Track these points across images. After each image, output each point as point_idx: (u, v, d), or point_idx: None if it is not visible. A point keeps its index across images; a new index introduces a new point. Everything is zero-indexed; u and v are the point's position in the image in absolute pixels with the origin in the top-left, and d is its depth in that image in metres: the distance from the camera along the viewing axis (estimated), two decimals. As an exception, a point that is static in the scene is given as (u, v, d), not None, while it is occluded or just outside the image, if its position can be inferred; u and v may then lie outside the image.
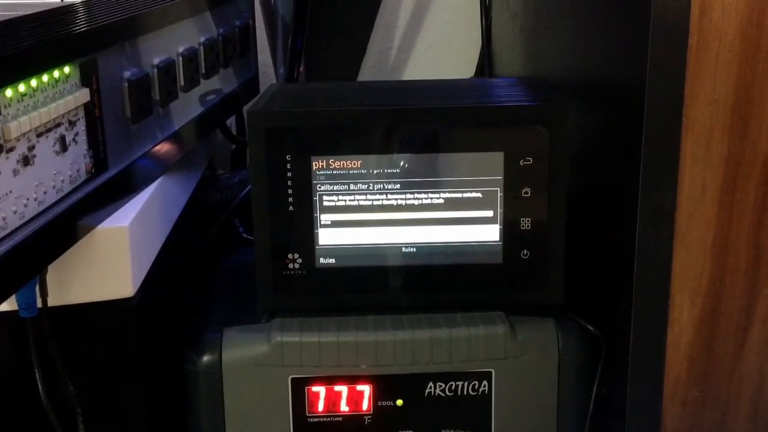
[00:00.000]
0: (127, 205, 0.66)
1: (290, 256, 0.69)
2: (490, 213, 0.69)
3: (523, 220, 0.69)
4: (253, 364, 0.67)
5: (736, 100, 0.60)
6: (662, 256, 0.63)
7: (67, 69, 0.56)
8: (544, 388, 0.69)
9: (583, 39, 0.75)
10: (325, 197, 0.69)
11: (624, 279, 0.64)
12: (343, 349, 0.68)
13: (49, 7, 0.60)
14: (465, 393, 0.69)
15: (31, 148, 0.52)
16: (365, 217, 0.69)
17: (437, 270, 0.70)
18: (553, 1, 0.85)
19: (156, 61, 0.69)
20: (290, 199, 0.68)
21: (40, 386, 0.61)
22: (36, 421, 0.63)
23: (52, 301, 0.60)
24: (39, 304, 0.60)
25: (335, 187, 0.68)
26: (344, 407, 0.69)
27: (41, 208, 0.54)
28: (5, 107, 0.49)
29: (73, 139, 0.57)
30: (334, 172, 0.68)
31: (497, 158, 0.68)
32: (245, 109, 0.78)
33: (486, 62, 1.15)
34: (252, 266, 0.70)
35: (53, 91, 0.54)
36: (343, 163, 0.68)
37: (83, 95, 0.58)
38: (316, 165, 0.68)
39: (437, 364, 0.68)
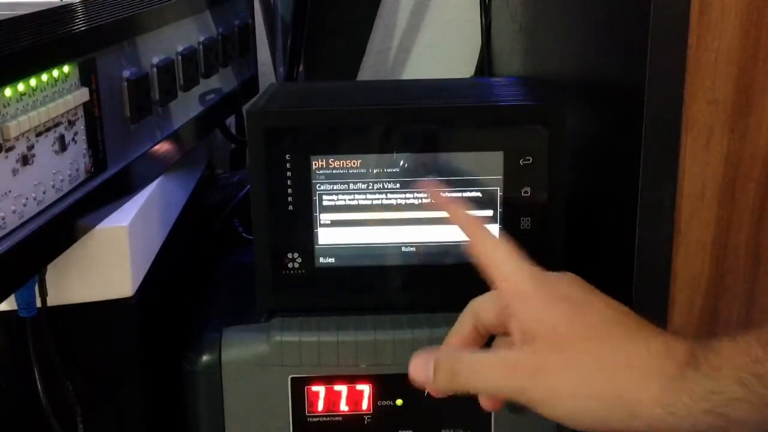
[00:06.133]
0: (126, 204, 0.66)
1: (290, 255, 0.69)
2: (489, 212, 0.69)
3: (522, 220, 0.69)
4: (252, 364, 0.67)
5: (735, 100, 0.60)
6: (662, 255, 0.63)
7: (66, 68, 0.56)
8: (543, 388, 0.69)
9: (583, 39, 0.75)
10: (324, 197, 0.69)
11: (624, 279, 0.64)
12: (343, 348, 0.68)
13: (49, 7, 0.60)
14: (464, 393, 0.69)
15: (31, 147, 0.52)
16: (365, 216, 0.69)
17: (436, 269, 0.70)
18: (552, 0, 0.85)
19: (155, 60, 0.69)
20: (290, 199, 0.68)
21: (39, 386, 0.61)
22: (35, 421, 0.63)
23: (51, 301, 0.60)
24: (38, 304, 0.60)
25: (335, 187, 0.68)
26: (344, 407, 0.69)
27: (40, 208, 0.54)
28: (4, 107, 0.49)
29: (73, 139, 0.57)
30: (334, 171, 0.68)
31: (497, 158, 0.68)
32: (245, 108, 0.78)
33: (485, 62, 1.15)
34: (251, 266, 0.70)
35: (52, 91, 0.54)
36: (343, 163, 0.68)
37: (82, 95, 0.58)
38: (315, 164, 0.68)
39: (437, 363, 0.68)
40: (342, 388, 0.68)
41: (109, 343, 0.65)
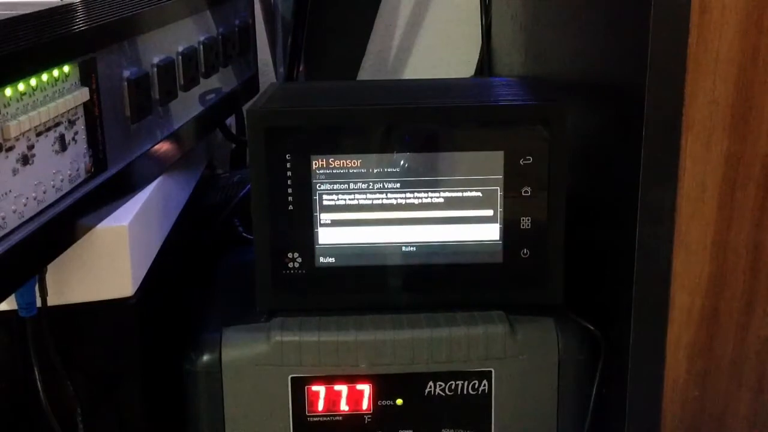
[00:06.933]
0: (126, 204, 0.66)
1: (290, 255, 0.69)
2: (490, 212, 0.69)
3: (523, 219, 0.69)
4: (252, 364, 0.67)
5: (735, 100, 0.60)
6: (662, 255, 0.63)
7: (66, 68, 0.56)
8: (543, 388, 0.69)
9: (583, 38, 0.75)
10: (324, 196, 0.69)
11: (624, 278, 0.64)
12: (343, 348, 0.68)
13: (49, 6, 0.60)
14: (465, 392, 0.69)
15: (31, 147, 0.52)
16: (365, 216, 0.69)
17: (437, 269, 0.70)
18: (553, 0, 0.85)
19: (155, 60, 0.69)
20: (290, 198, 0.68)
21: (39, 386, 0.61)
22: (35, 421, 0.63)
23: (51, 301, 0.60)
24: (38, 304, 0.60)
25: (335, 186, 0.68)
26: (344, 407, 0.69)
27: (40, 208, 0.54)
28: (5, 106, 0.49)
29: (73, 139, 0.57)
30: (334, 171, 0.68)
31: (497, 157, 0.68)
32: (245, 108, 0.78)
33: (486, 62, 1.15)
34: (251, 265, 0.70)
35: (52, 91, 0.54)
36: (343, 162, 0.68)
37: (83, 94, 0.57)
38: (315, 164, 0.68)
39: (437, 363, 0.68)
40: (342, 388, 0.68)
41: (109, 343, 0.65)
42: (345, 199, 0.69)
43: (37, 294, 0.60)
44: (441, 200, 0.69)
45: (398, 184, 0.69)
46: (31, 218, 0.53)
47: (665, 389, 0.66)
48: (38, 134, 0.53)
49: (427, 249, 0.70)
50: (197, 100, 0.80)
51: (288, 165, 0.68)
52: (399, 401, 0.69)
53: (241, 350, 0.68)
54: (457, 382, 0.69)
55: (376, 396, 0.69)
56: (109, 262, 0.63)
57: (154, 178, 0.71)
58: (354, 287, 0.70)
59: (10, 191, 0.50)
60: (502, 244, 0.69)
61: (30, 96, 0.52)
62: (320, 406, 0.68)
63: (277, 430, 0.69)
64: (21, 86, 0.51)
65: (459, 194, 0.69)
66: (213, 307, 0.73)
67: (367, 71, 1.24)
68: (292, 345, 0.67)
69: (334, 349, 0.68)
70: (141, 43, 0.67)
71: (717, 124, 0.60)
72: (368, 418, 0.69)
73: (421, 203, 0.69)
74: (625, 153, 0.64)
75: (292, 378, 0.68)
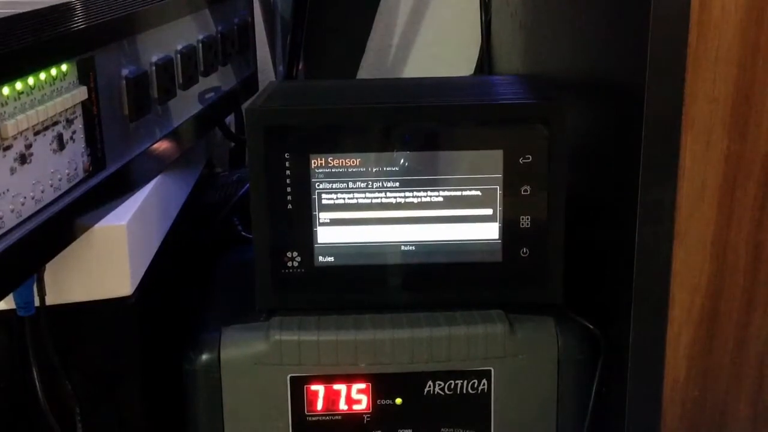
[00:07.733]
0: (125, 203, 0.66)
1: (289, 254, 0.69)
2: (489, 211, 0.69)
3: (522, 218, 0.69)
4: (251, 363, 0.67)
5: (735, 99, 0.60)
6: (662, 254, 0.63)
7: (64, 67, 0.56)
8: (543, 387, 0.69)
9: (583, 37, 0.75)
10: (323, 195, 0.68)
11: (624, 278, 0.64)
12: (342, 347, 0.68)
13: (47, 5, 0.60)
14: (464, 391, 0.69)
15: (29, 146, 0.52)
16: (364, 215, 0.69)
17: (436, 268, 0.70)
18: (552, -2, 0.85)
19: (154, 58, 0.69)
20: (289, 197, 0.68)
21: (38, 385, 0.61)
22: (34, 420, 0.63)
23: (49, 300, 0.60)
24: (36, 303, 0.60)
25: (334, 185, 0.68)
26: (343, 406, 0.69)
27: (39, 207, 0.54)
28: (2, 105, 0.49)
29: (71, 138, 0.57)
30: (333, 170, 0.68)
31: (497, 156, 0.68)
32: (244, 106, 0.78)
33: (485, 60, 1.15)
34: (251, 264, 0.70)
35: (51, 89, 0.54)
36: (342, 161, 0.68)
37: (81, 93, 0.57)
38: (314, 163, 0.68)
39: (436, 362, 0.68)
40: (341, 387, 0.68)
41: (108, 342, 0.65)
42: (344, 198, 0.69)
43: (36, 293, 0.60)
44: (440, 199, 0.69)
45: (397, 183, 0.68)
46: (29, 217, 0.53)
47: (665, 389, 0.65)
48: (36, 133, 0.53)
49: (426, 248, 0.70)
50: (196, 98, 0.80)
51: (287, 164, 0.68)
52: (398, 400, 0.69)
53: (240, 349, 0.67)
54: (456, 382, 0.69)
55: (376, 395, 0.69)
56: (107, 261, 0.62)
57: (153, 177, 0.71)
58: (353, 286, 0.70)
59: (8, 190, 0.50)
60: (501, 243, 0.69)
61: (28, 95, 0.52)
62: (319, 405, 0.68)
63: (276, 429, 0.68)
64: (19, 85, 0.51)
65: (458, 193, 0.69)
66: (212, 307, 0.73)
67: (367, 70, 1.23)
68: (291, 344, 0.67)
69: (333, 348, 0.67)
70: (140, 42, 0.67)
71: (717, 123, 0.60)
72: (367, 417, 0.69)
73: (421, 202, 0.69)
74: (625, 152, 0.64)
75: (291, 377, 0.68)
